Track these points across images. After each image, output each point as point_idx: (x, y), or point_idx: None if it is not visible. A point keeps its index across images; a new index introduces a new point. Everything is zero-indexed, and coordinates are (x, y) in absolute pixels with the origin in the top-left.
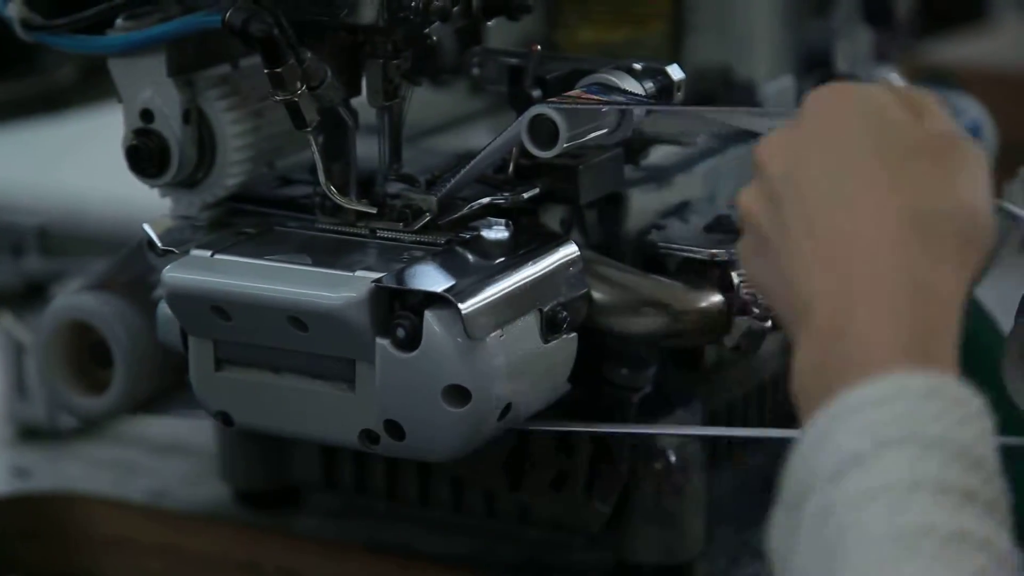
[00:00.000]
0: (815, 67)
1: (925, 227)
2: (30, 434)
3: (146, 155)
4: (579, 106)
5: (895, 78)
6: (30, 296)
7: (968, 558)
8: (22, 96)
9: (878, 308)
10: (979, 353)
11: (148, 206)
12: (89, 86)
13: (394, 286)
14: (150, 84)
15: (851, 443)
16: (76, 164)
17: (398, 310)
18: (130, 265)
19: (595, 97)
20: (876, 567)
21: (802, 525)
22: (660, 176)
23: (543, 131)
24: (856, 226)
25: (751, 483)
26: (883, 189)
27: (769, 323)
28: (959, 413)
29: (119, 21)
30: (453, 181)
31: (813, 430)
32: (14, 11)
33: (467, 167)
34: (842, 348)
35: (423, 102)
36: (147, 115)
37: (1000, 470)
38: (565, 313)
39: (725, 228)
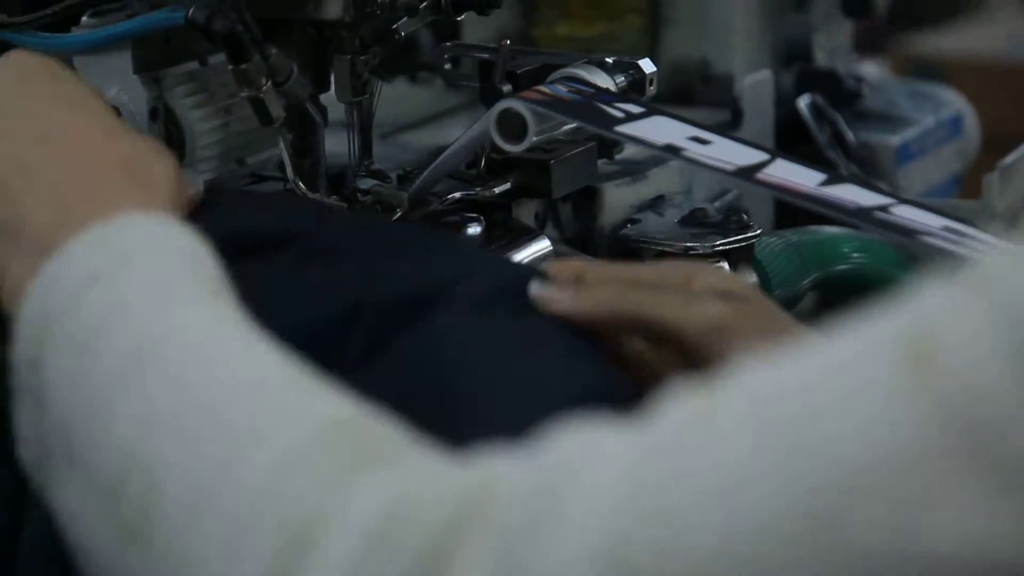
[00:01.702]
0: (794, 60)
1: None
2: None
3: None
4: (546, 100)
5: (876, 70)
6: None
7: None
8: None
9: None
10: None
11: None
12: None
13: None
14: (116, 81)
15: (87, 265)
16: None
17: None
18: None
19: (548, 92)
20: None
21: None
22: (635, 170)
23: (512, 125)
24: None
25: None
26: None
27: None
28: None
29: (85, 18)
30: (423, 176)
31: (39, 282)
32: None
33: (437, 162)
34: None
35: (399, 98)
36: (114, 112)
37: None
38: None
39: (701, 222)
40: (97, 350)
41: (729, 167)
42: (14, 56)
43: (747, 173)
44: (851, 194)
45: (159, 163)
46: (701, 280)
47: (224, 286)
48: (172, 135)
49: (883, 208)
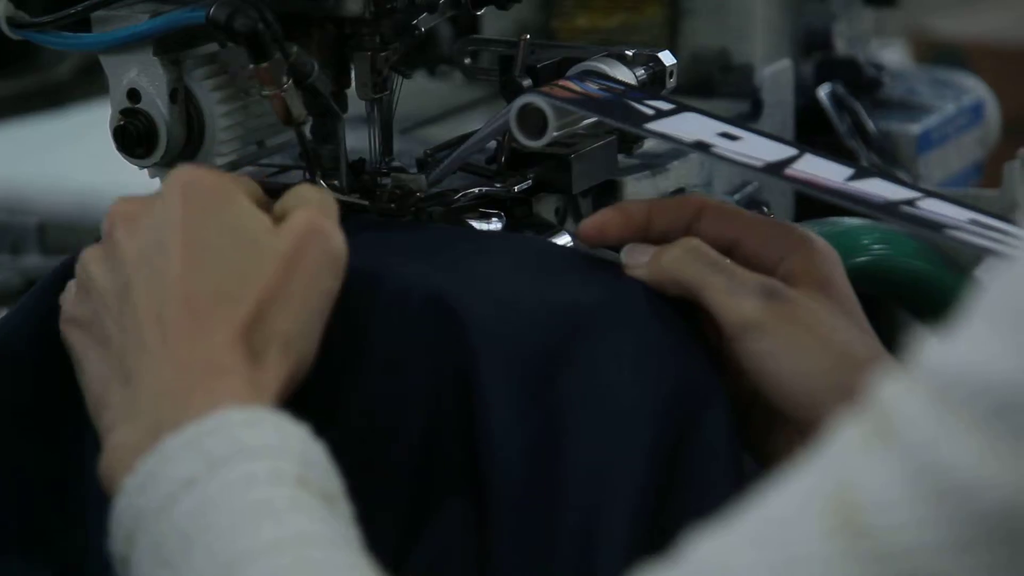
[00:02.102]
0: (814, 50)
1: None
2: None
3: (133, 135)
4: (570, 96)
5: (897, 57)
6: None
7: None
8: (21, 92)
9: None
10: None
11: None
12: (87, 81)
13: None
14: (136, 64)
15: (182, 470)
16: (75, 158)
17: None
18: None
19: (578, 88)
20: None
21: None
22: (655, 163)
23: (532, 120)
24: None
25: None
26: None
27: None
28: (277, 429)
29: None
30: (442, 167)
31: (134, 478)
32: (1, 10)
33: (455, 153)
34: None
35: (419, 92)
36: (134, 95)
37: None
38: None
39: None
40: (181, 566)
41: (758, 163)
42: (184, 175)
43: (776, 169)
44: (878, 188)
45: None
46: (747, 272)
47: (333, 487)
48: (192, 117)
49: (910, 202)
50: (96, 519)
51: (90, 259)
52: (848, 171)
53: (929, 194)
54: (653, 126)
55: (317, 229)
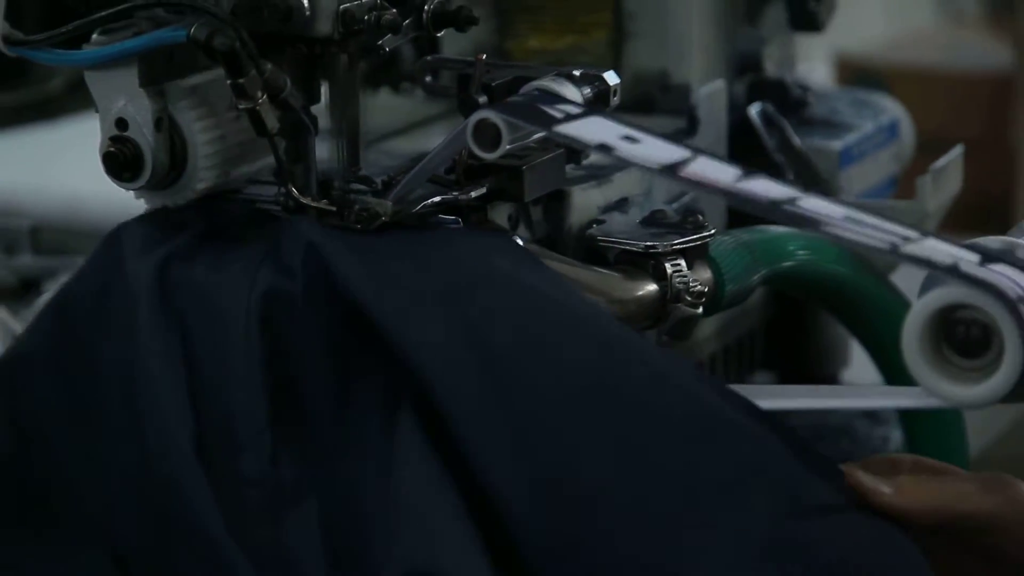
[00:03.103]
0: (745, 71)
1: None
2: None
3: (121, 161)
4: (520, 111)
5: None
6: (24, 292)
7: None
8: (15, 105)
9: None
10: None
11: (133, 207)
12: (77, 95)
13: None
14: (124, 94)
15: None
16: (66, 167)
17: None
18: None
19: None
20: None
21: None
22: (600, 174)
23: (487, 134)
24: None
25: None
26: None
27: (700, 310)
28: None
29: (95, 36)
30: (404, 181)
31: None
32: None
33: (417, 168)
34: None
35: (384, 107)
36: (122, 123)
37: None
38: None
39: (660, 222)
40: None
41: (655, 165)
42: None
43: (672, 170)
44: (763, 188)
45: None
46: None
47: None
48: (175, 144)
49: (791, 201)
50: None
51: None
52: (737, 172)
53: (809, 193)
54: (562, 128)
55: None
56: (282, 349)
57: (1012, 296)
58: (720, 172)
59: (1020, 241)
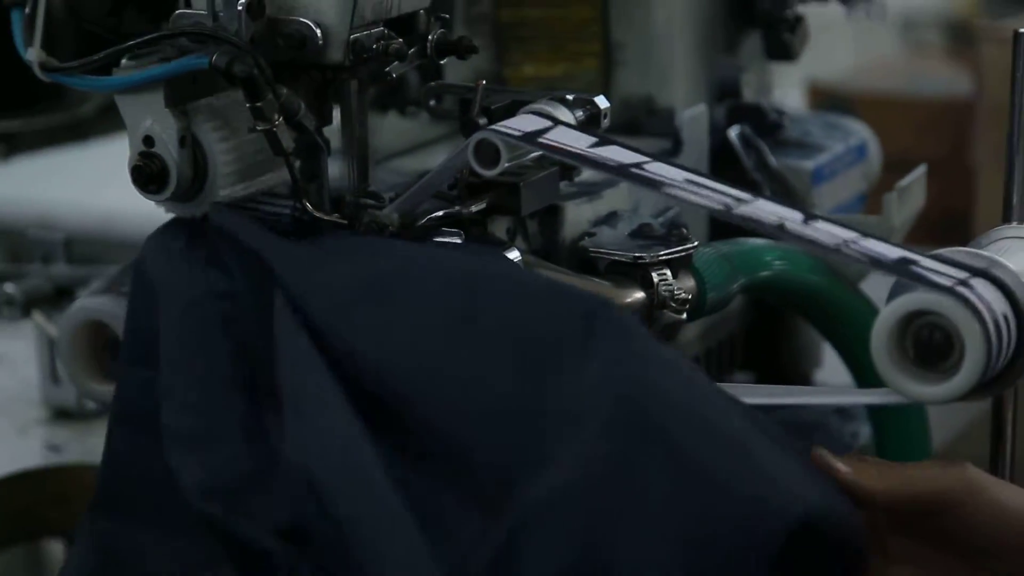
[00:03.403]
0: (725, 97)
1: None
2: (61, 415)
3: (148, 175)
4: (519, 132)
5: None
6: (58, 298)
7: None
8: (51, 127)
9: None
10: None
11: (158, 221)
12: (108, 118)
13: None
14: (151, 115)
15: None
16: (97, 185)
17: None
18: None
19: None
20: None
21: None
22: (591, 190)
23: (487, 153)
24: None
25: None
26: None
27: (684, 316)
28: None
29: (124, 62)
30: (408, 194)
31: None
32: (33, 55)
33: (422, 183)
34: None
35: (391, 129)
36: (148, 140)
37: None
38: None
39: (647, 235)
40: None
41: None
42: None
43: (532, 137)
44: (615, 154)
45: None
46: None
47: None
48: (197, 159)
49: (639, 165)
50: None
51: None
52: (591, 140)
53: (656, 159)
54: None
55: None
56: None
57: (973, 303)
58: (576, 140)
59: (981, 252)
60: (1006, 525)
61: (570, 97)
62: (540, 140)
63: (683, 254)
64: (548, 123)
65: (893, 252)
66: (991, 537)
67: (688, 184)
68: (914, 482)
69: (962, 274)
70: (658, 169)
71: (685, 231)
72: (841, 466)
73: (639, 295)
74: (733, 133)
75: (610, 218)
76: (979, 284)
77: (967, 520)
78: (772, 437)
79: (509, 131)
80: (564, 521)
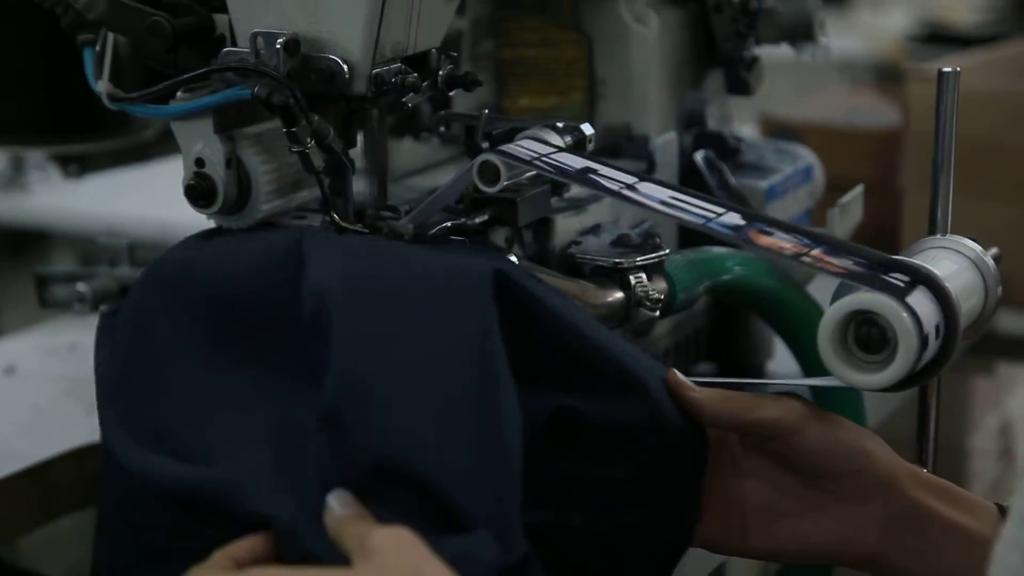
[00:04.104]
0: (692, 125)
1: None
2: None
3: (199, 192)
4: (516, 154)
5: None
6: (123, 295)
7: None
8: (118, 150)
9: None
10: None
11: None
12: (166, 142)
13: None
14: (202, 139)
15: None
16: (156, 199)
17: None
18: None
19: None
20: None
21: None
22: (578, 205)
23: (489, 173)
24: None
25: None
26: None
27: (657, 313)
28: None
29: (179, 94)
30: (420, 207)
31: None
32: (103, 87)
33: (432, 198)
34: None
35: (406, 152)
36: (200, 162)
37: None
38: None
39: (626, 243)
40: None
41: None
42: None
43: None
44: (569, 160)
45: None
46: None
47: None
48: (242, 178)
49: (630, 187)
50: None
51: None
52: (582, 162)
53: (604, 163)
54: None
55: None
56: None
57: (911, 305)
58: (570, 161)
59: (909, 261)
60: (836, 454)
61: (560, 125)
62: (535, 162)
63: (656, 260)
64: (543, 147)
65: (842, 260)
66: (822, 463)
67: (668, 202)
68: (751, 408)
69: (903, 280)
70: (609, 172)
71: (658, 240)
72: (691, 387)
73: (619, 295)
74: (699, 156)
75: (594, 229)
76: (918, 290)
77: (802, 446)
78: None
79: (509, 153)
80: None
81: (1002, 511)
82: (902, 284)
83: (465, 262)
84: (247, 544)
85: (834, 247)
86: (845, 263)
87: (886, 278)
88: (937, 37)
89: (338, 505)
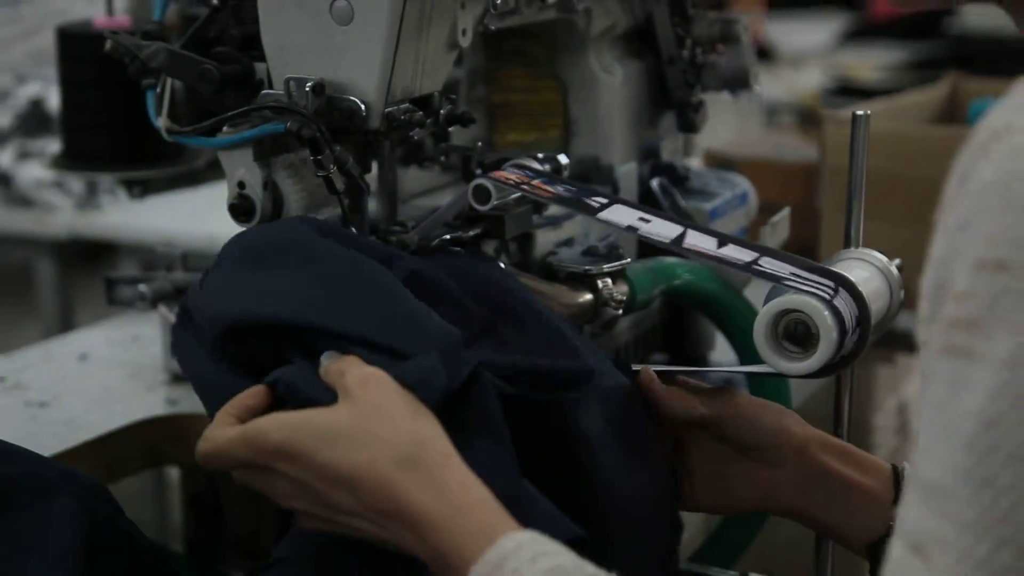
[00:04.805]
0: (649, 157)
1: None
2: (177, 379)
3: (241, 210)
4: (503, 179)
5: (696, 164)
6: (178, 296)
7: None
8: (174, 175)
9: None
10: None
11: None
12: (214, 169)
13: None
14: (243, 166)
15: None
16: (205, 216)
17: None
18: None
19: (514, 174)
20: None
21: None
22: (555, 222)
23: (482, 194)
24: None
25: None
26: None
27: (620, 312)
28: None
29: (225, 128)
30: (426, 224)
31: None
32: (162, 123)
33: (434, 216)
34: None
35: (413, 177)
36: (241, 185)
37: None
38: None
39: (594, 254)
40: None
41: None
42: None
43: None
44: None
45: None
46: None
47: None
48: (276, 199)
49: (603, 206)
50: None
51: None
52: (561, 186)
53: (614, 201)
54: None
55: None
56: None
57: (835, 304)
58: (551, 187)
59: (831, 268)
60: (761, 432)
61: (540, 155)
62: (521, 187)
63: (619, 267)
64: (527, 173)
65: (783, 267)
66: (749, 440)
67: (597, 201)
68: (696, 404)
69: (828, 284)
70: (612, 213)
71: (621, 251)
72: (659, 388)
73: (588, 296)
74: (654, 183)
75: (568, 242)
76: (840, 292)
77: (734, 428)
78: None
79: (499, 179)
80: None
81: (895, 471)
82: (827, 287)
83: (445, 328)
84: (245, 400)
85: (776, 255)
86: (785, 268)
87: (812, 282)
88: (846, 89)
89: (327, 360)
